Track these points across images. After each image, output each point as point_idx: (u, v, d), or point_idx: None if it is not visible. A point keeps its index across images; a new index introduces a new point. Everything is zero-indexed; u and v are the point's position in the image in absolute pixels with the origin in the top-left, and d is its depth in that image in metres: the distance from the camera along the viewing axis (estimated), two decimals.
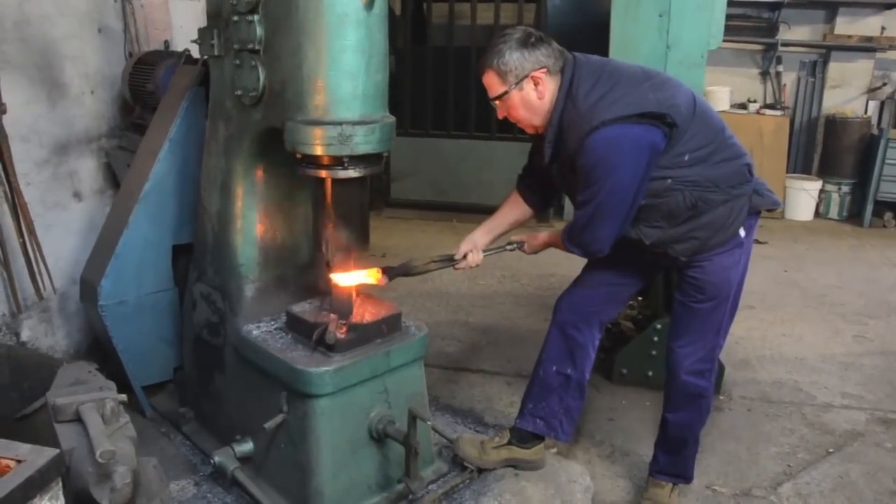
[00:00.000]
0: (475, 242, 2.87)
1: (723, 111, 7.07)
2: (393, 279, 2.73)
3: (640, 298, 4.45)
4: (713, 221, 2.53)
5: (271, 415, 2.62)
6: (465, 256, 2.85)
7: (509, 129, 6.87)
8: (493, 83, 2.50)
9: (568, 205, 6.84)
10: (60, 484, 1.74)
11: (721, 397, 3.80)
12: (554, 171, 2.63)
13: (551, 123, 2.49)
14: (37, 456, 1.71)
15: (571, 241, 2.61)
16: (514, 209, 2.96)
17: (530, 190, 2.92)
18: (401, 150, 6.57)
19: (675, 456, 2.91)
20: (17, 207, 3.25)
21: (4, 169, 3.19)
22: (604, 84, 2.40)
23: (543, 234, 2.93)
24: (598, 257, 2.63)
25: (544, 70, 2.44)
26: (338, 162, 2.38)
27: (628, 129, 2.34)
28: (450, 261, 2.85)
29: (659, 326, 3.76)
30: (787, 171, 7.75)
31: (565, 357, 2.93)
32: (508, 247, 2.96)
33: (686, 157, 2.46)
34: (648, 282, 3.11)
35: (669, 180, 2.45)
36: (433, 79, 7.22)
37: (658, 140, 2.39)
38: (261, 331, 2.77)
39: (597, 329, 2.93)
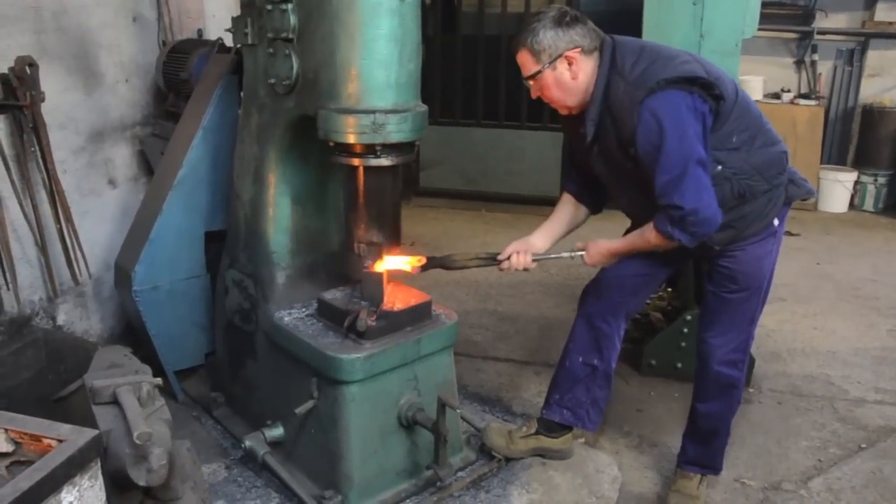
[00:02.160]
0: (529, 245, 2.77)
1: (755, 101, 6.96)
2: (427, 270, 2.71)
3: (669, 289, 4.43)
4: (753, 211, 2.53)
5: (302, 400, 2.65)
6: (509, 258, 2.73)
7: (539, 118, 6.85)
8: (526, 62, 2.48)
9: None
10: (99, 464, 1.79)
11: (751, 390, 3.77)
12: (595, 154, 2.59)
13: (593, 101, 2.46)
14: (77, 436, 1.75)
15: (673, 222, 2.36)
16: (568, 210, 2.88)
17: (578, 188, 2.86)
18: (430, 138, 6.60)
19: (704, 447, 2.90)
20: (55, 194, 3.31)
21: (43, 156, 3.24)
22: (647, 57, 2.39)
23: (607, 242, 2.69)
24: (711, 232, 2.39)
25: (578, 50, 2.42)
26: (370, 150, 2.40)
27: (682, 95, 2.32)
28: (493, 260, 2.75)
29: (689, 318, 3.73)
30: (821, 162, 7.64)
31: (592, 348, 2.92)
32: (565, 254, 2.74)
33: (734, 139, 2.45)
34: (676, 272, 3.07)
35: (720, 167, 2.43)
36: (463, 67, 7.19)
37: (707, 113, 2.36)
38: (292, 317, 2.80)
39: (623, 320, 2.93)
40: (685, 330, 3.77)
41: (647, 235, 2.50)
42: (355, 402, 2.57)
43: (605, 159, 2.59)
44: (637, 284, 2.88)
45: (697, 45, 3.44)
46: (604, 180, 2.72)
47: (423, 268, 2.68)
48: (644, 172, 2.39)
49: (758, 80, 7.57)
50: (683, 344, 3.78)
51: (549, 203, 3.05)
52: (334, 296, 2.78)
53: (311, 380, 2.64)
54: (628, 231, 2.84)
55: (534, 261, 2.73)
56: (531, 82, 2.51)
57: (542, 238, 2.82)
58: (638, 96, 2.32)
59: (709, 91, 2.35)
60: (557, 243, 2.86)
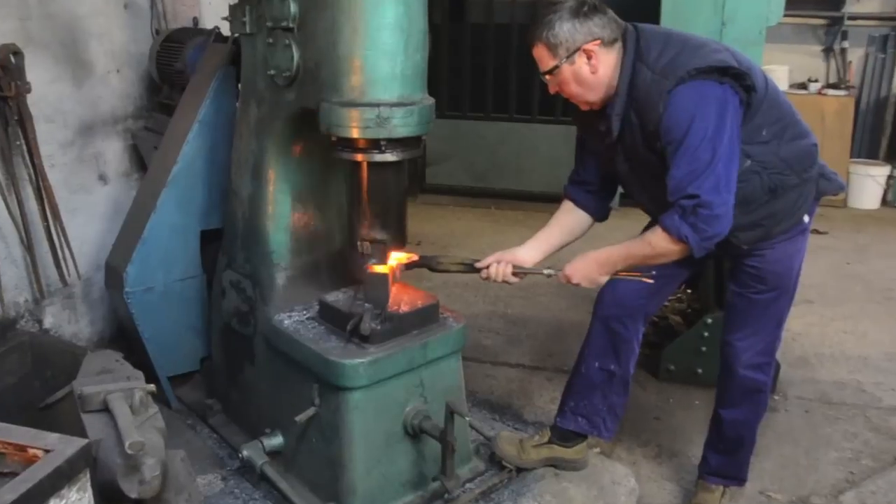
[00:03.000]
0: (514, 256, 2.72)
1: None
2: (411, 269, 2.71)
3: (688, 291, 4.43)
4: (784, 207, 2.53)
5: (302, 408, 2.66)
6: (488, 267, 2.70)
7: (552, 111, 6.85)
8: (542, 57, 2.46)
9: None
10: (88, 475, 1.79)
11: (776, 397, 3.77)
12: (618, 151, 2.57)
13: (618, 94, 2.44)
14: (65, 446, 1.75)
15: (684, 213, 2.30)
16: (567, 219, 2.84)
17: (584, 192, 2.82)
18: (437, 132, 6.64)
19: (728, 456, 2.90)
20: (42, 190, 3.33)
21: (29, 150, 3.26)
22: (674, 46, 2.38)
23: (594, 252, 2.59)
24: (720, 234, 2.33)
25: (597, 42, 2.40)
26: (375, 145, 2.41)
27: (713, 86, 2.31)
28: (471, 268, 2.72)
29: (710, 321, 3.73)
30: (851, 156, 7.61)
31: (608, 352, 2.92)
32: (546, 271, 2.66)
33: (764, 132, 2.44)
34: (696, 272, 3.05)
35: (749, 161, 2.42)
36: (471, 58, 7.21)
37: (738, 105, 2.36)
38: (292, 320, 2.81)
39: (641, 322, 2.92)
40: (706, 334, 3.77)
41: (650, 238, 2.43)
42: (359, 410, 2.58)
43: (628, 156, 2.58)
44: (656, 285, 2.85)
45: (719, 34, 3.44)
46: (623, 179, 2.70)
47: (409, 266, 2.70)
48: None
49: (783, 69, 7.54)
50: (704, 348, 3.78)
51: (561, 200, 3.02)
52: (337, 298, 2.79)
53: (312, 386, 2.65)
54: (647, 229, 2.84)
55: (516, 274, 2.68)
56: (548, 77, 2.49)
57: (532, 249, 2.77)
58: (666, 86, 2.31)
59: (740, 82, 2.35)
60: (553, 255, 2.80)
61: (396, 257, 2.68)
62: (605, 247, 2.57)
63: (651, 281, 2.63)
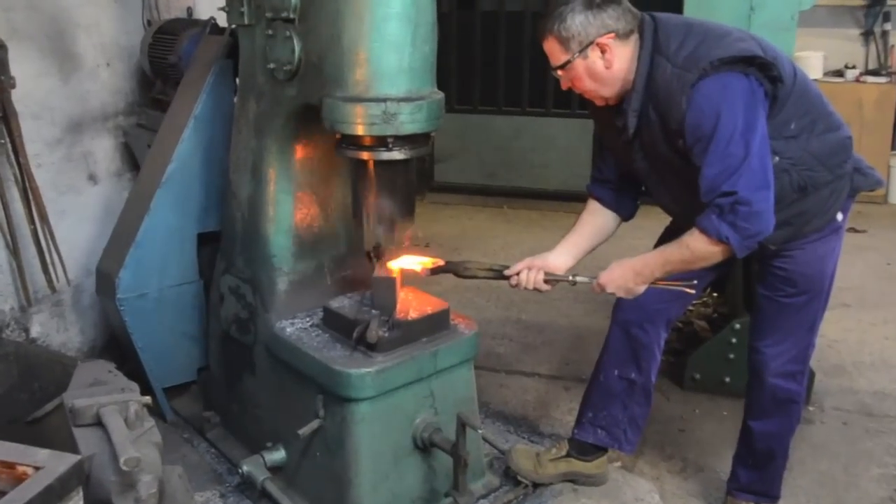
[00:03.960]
0: (545, 262, 2.72)
1: (814, 80, 6.86)
2: (437, 274, 2.75)
3: (714, 294, 4.43)
4: (814, 205, 2.53)
5: (306, 420, 2.69)
6: (518, 273, 2.71)
7: (567, 104, 6.85)
8: (554, 51, 2.48)
9: None
10: (81, 493, 1.81)
11: (811, 408, 3.77)
12: (636, 149, 2.58)
13: (635, 89, 2.45)
14: (56, 462, 1.76)
15: (722, 213, 2.30)
16: (595, 220, 2.85)
17: (609, 191, 2.83)
18: (446, 128, 6.69)
19: (759, 471, 2.91)
20: (28, 191, 3.35)
21: (14, 149, 3.29)
22: (695, 36, 2.38)
23: (629, 261, 2.58)
24: (763, 233, 2.33)
25: (611, 36, 2.41)
26: (381, 143, 2.43)
27: (738, 78, 2.31)
28: (500, 274, 2.74)
29: (738, 326, 3.74)
30: (893, 149, 7.58)
31: (629, 360, 2.94)
32: (579, 279, 2.66)
33: (792, 126, 2.45)
34: (723, 274, 3.05)
35: (777, 158, 2.42)
36: (482, 48, 7.22)
37: (763, 98, 2.36)
38: (295, 328, 2.85)
39: (663, 328, 2.94)
40: (733, 340, 3.77)
41: (688, 241, 2.41)
42: (365, 422, 2.61)
43: (647, 154, 2.58)
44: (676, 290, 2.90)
45: (747, 20, 3.43)
46: (643, 178, 2.70)
47: (433, 271, 2.73)
48: (693, 168, 2.38)
49: (817, 56, 7.49)
50: (732, 356, 3.79)
51: (579, 199, 3.03)
52: (342, 304, 2.82)
53: (316, 397, 2.67)
54: (667, 231, 2.86)
55: (547, 281, 2.69)
56: (560, 73, 2.50)
57: (563, 254, 2.78)
58: (688, 80, 2.31)
59: (766, 73, 2.35)
60: (583, 259, 2.82)
61: (422, 262, 2.71)
62: (640, 254, 2.58)
63: (692, 291, 2.64)
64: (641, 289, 2.58)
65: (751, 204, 2.28)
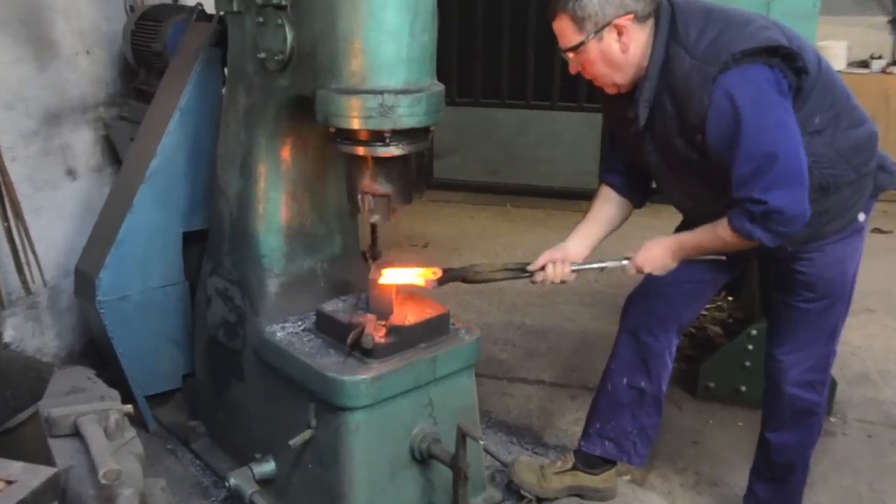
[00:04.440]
0: (566, 252, 2.73)
1: (838, 70, 6.79)
2: (445, 284, 2.71)
3: (729, 298, 4.43)
4: (836, 205, 2.52)
5: (297, 430, 2.68)
6: (543, 268, 2.71)
7: (574, 96, 6.86)
8: (566, 31, 2.45)
9: None
10: None
11: (833, 419, 3.76)
12: (647, 141, 2.58)
13: (648, 78, 2.43)
14: (30, 476, 1.77)
15: (752, 219, 2.32)
16: (608, 207, 2.87)
17: (622, 177, 2.85)
18: (446, 121, 6.72)
19: (777, 486, 2.91)
20: (2, 186, 3.33)
21: None
22: (716, 24, 2.36)
23: (665, 238, 2.66)
24: (798, 230, 2.36)
25: (630, 17, 2.38)
26: (378, 137, 2.43)
27: (763, 70, 2.30)
28: (522, 271, 2.74)
29: (754, 332, 3.73)
30: None
31: (638, 367, 2.94)
32: (611, 262, 2.69)
33: (816, 120, 2.44)
34: (736, 276, 3.05)
35: None
36: (484, 36, 7.23)
37: (787, 90, 2.35)
38: (286, 332, 2.84)
39: (675, 334, 2.93)
40: (750, 347, 3.77)
41: (721, 233, 2.45)
42: (360, 432, 2.60)
43: (658, 147, 2.58)
44: (691, 291, 2.88)
45: (766, 7, 3.42)
46: (653, 170, 2.70)
47: (440, 281, 2.69)
48: (714, 164, 2.38)
49: (840, 45, 7.43)
50: (748, 363, 3.79)
51: (586, 197, 3.04)
52: (336, 307, 2.81)
53: (308, 406, 2.67)
54: (679, 230, 2.85)
55: (573, 271, 2.71)
56: (571, 55, 2.48)
57: (578, 243, 2.80)
58: (709, 73, 2.29)
59: (791, 63, 2.34)
60: (597, 247, 2.83)
61: (418, 274, 2.69)
62: (671, 235, 2.66)
63: (724, 258, 2.66)
64: (675, 265, 2.65)
65: (782, 212, 2.29)
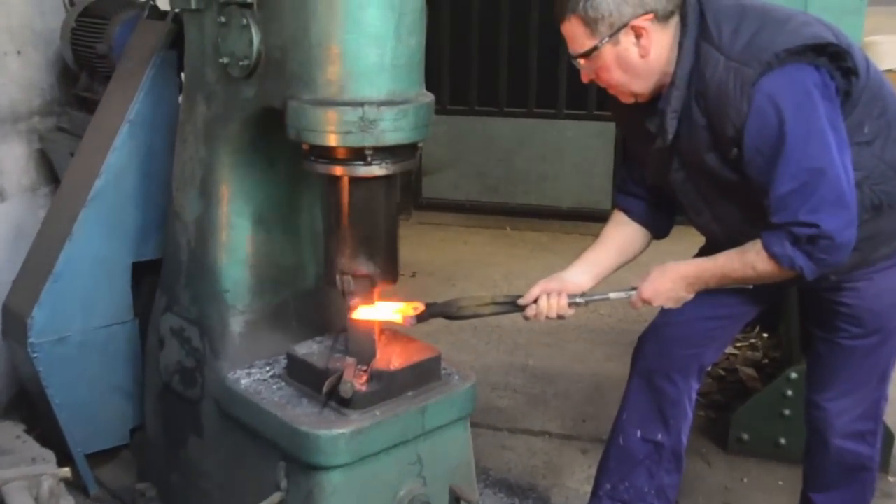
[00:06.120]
0: (563, 283, 2.75)
1: (889, 70, 6.77)
2: (425, 321, 2.73)
3: (764, 335, 4.44)
4: (887, 227, 2.53)
5: (265, 493, 2.68)
6: (536, 301, 2.72)
7: (583, 104, 6.89)
8: (577, 35, 2.46)
9: None
10: None
11: (891, 479, 3.77)
12: (672, 158, 2.58)
13: (676, 85, 2.44)
14: None
15: (796, 241, 2.32)
16: (621, 234, 2.87)
17: (639, 202, 2.85)
18: (437, 132, 6.74)
19: None
20: None
21: None
22: (752, 20, 2.38)
23: (676, 265, 2.66)
24: (842, 261, 2.38)
25: (650, 17, 2.40)
26: (358, 155, 2.44)
27: (809, 71, 2.31)
28: (513, 305, 2.76)
29: (794, 375, 3.75)
30: None
31: (654, 417, 2.95)
32: (616, 294, 2.71)
33: (866, 129, 2.46)
34: (766, 310, 3.03)
35: None
36: (480, 37, 7.28)
37: (835, 95, 2.37)
38: (252, 379, 2.85)
39: (695, 377, 2.95)
40: (789, 392, 3.78)
41: (753, 261, 2.44)
42: (338, 496, 2.60)
43: (684, 163, 2.59)
44: (713, 328, 2.89)
45: (804, 2, 3.45)
46: (678, 191, 2.70)
47: (420, 318, 2.70)
48: (746, 181, 2.40)
49: (891, 41, 7.47)
50: (787, 412, 3.81)
51: (598, 218, 3.07)
52: (310, 350, 2.82)
53: (277, 465, 2.67)
54: (701, 254, 2.85)
55: (571, 305, 2.71)
56: (582, 61, 2.50)
57: (582, 273, 2.81)
58: (749, 76, 2.30)
59: (839, 63, 2.36)
60: (605, 280, 2.84)
61: (396, 310, 2.69)
62: (687, 260, 2.63)
63: (750, 287, 2.65)
64: (691, 297, 2.63)
65: (833, 237, 2.29)
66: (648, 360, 2.94)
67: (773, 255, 2.38)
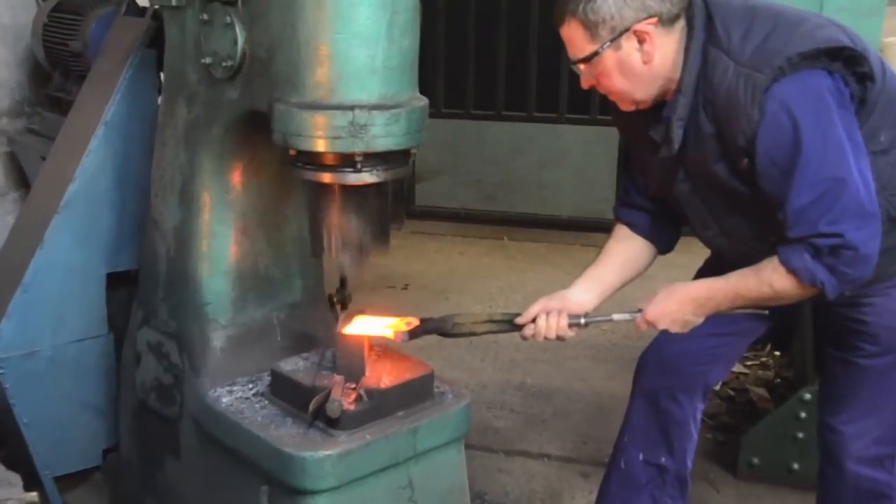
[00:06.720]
0: (564, 302, 2.74)
1: None
2: (418, 337, 2.73)
3: (776, 353, 4.45)
4: None
5: None
6: (535, 320, 2.71)
7: (585, 108, 6.90)
8: (576, 39, 2.47)
9: None
10: None
11: None
12: (679, 168, 2.59)
13: (682, 92, 2.44)
14: None
15: (818, 254, 2.30)
16: (625, 249, 2.87)
17: (642, 216, 2.85)
18: (431, 137, 6.74)
19: None
20: None
21: None
22: (763, 23, 2.38)
23: (684, 286, 2.65)
24: (865, 276, 2.36)
25: (654, 21, 2.40)
26: (348, 161, 2.45)
27: (823, 77, 2.32)
28: (510, 324, 2.75)
29: (808, 396, 3.75)
30: None
31: (657, 440, 2.96)
32: (620, 315, 2.71)
33: (881, 137, 2.46)
34: (777, 327, 3.02)
35: None
36: (476, 37, 7.30)
37: (850, 101, 2.37)
38: (234, 397, 2.85)
39: (700, 397, 2.96)
40: (802, 414, 3.79)
41: (770, 279, 2.41)
42: None
43: (690, 174, 2.59)
44: (718, 346, 2.90)
45: (819, 3, 3.48)
46: (682, 202, 2.70)
47: (413, 334, 2.70)
48: (761, 194, 2.39)
49: None
50: (800, 435, 3.81)
51: (600, 228, 3.07)
52: (295, 366, 2.82)
53: (260, 489, 2.66)
54: (707, 267, 2.87)
55: (571, 325, 2.69)
56: (582, 67, 2.51)
57: (584, 291, 2.80)
58: (760, 82, 2.30)
59: (854, 68, 2.37)
60: (610, 298, 2.83)
61: (388, 325, 2.70)
62: (697, 281, 2.62)
63: (766, 312, 2.64)
64: (700, 321, 2.61)
65: (858, 248, 2.28)
66: (651, 378, 2.94)
67: (792, 270, 2.35)
